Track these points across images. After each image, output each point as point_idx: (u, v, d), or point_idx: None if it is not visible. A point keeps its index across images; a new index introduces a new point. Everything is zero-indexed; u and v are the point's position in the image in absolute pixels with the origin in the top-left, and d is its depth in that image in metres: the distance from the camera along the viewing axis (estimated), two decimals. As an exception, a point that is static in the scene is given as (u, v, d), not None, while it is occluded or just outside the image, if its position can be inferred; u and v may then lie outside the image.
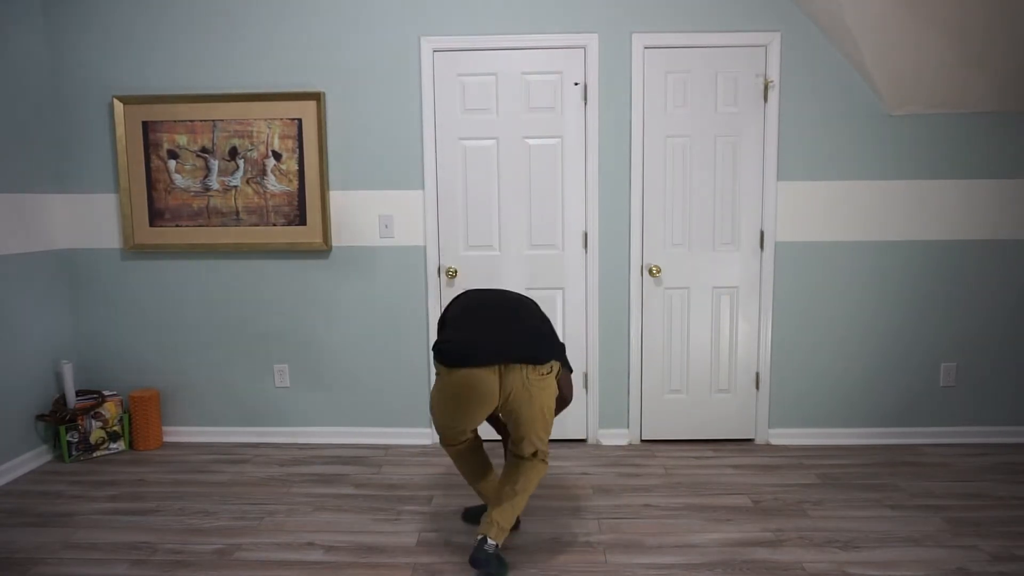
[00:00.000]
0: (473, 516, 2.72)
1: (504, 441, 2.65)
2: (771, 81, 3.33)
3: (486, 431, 3.50)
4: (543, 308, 3.50)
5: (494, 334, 2.29)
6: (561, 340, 2.34)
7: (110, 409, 3.46)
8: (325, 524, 2.72)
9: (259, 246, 3.49)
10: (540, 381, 2.29)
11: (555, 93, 3.39)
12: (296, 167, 3.45)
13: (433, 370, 3.55)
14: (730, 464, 3.29)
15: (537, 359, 2.26)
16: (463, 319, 2.38)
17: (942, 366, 3.50)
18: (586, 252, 3.47)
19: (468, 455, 2.57)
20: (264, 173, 3.46)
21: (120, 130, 3.44)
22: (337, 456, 3.45)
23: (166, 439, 3.66)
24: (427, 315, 3.53)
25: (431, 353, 2.87)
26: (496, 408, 2.36)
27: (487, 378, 2.25)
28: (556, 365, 2.35)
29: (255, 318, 3.58)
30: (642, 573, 2.35)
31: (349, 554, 2.49)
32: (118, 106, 3.42)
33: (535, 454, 2.42)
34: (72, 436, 3.38)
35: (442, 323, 2.49)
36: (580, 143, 3.41)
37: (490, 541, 2.28)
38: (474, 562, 2.26)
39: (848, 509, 2.80)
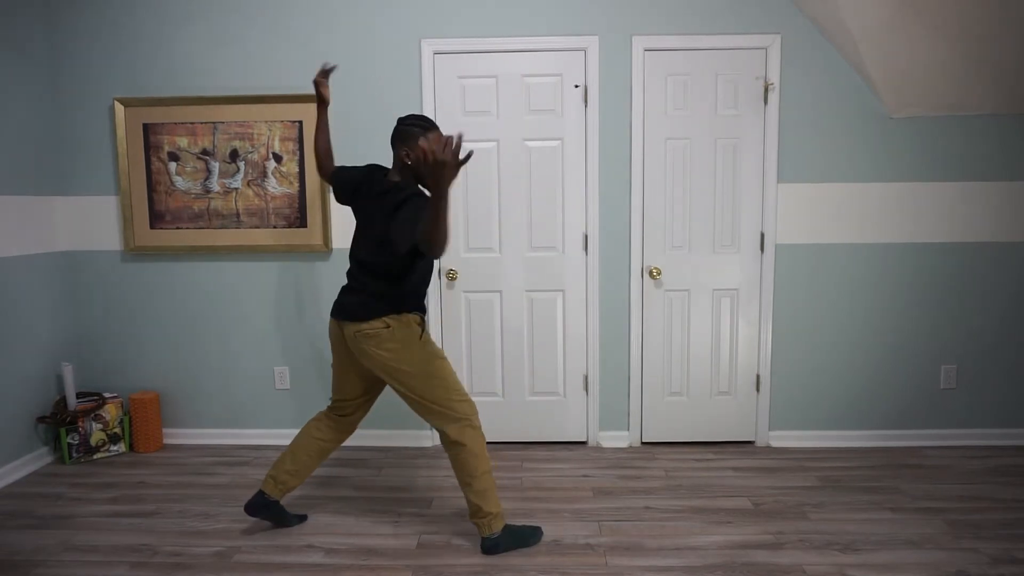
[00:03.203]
0: (259, 508, 2.66)
1: None
2: (771, 83, 3.33)
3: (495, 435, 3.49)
4: (539, 310, 3.50)
5: (344, 287, 2.50)
6: (401, 294, 2.40)
7: (110, 411, 3.46)
8: (325, 526, 2.72)
9: (260, 248, 3.49)
10: (367, 340, 2.38)
11: (555, 95, 3.39)
12: (297, 169, 3.45)
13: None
14: (730, 466, 3.29)
15: (354, 317, 2.39)
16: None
17: (942, 368, 3.50)
18: (586, 254, 3.47)
19: (318, 431, 2.63)
20: (265, 175, 3.47)
21: (121, 132, 3.44)
22: (337, 458, 3.44)
23: (166, 441, 3.66)
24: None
25: None
26: (362, 366, 2.52)
27: (335, 329, 2.51)
28: (392, 322, 2.37)
29: (256, 320, 3.58)
30: (642, 575, 2.35)
31: (349, 556, 2.49)
32: (119, 108, 3.43)
33: (444, 434, 2.45)
34: (72, 438, 3.38)
35: (340, 190, 2.61)
36: (580, 145, 3.41)
37: (484, 538, 2.49)
38: (485, 552, 2.50)
39: (848, 511, 2.80)
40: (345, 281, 3.51)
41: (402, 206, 2.24)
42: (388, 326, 2.38)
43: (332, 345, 2.56)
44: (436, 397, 2.43)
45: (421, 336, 2.44)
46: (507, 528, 2.51)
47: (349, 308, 2.42)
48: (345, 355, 2.54)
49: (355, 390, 2.59)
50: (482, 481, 2.45)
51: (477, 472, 2.45)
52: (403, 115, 2.55)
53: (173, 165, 3.48)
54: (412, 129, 2.35)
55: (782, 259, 3.45)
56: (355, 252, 2.48)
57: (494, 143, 3.42)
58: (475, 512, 2.48)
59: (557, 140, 3.41)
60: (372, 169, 2.53)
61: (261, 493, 2.60)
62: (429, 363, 2.43)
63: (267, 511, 2.61)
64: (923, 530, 2.64)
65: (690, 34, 3.32)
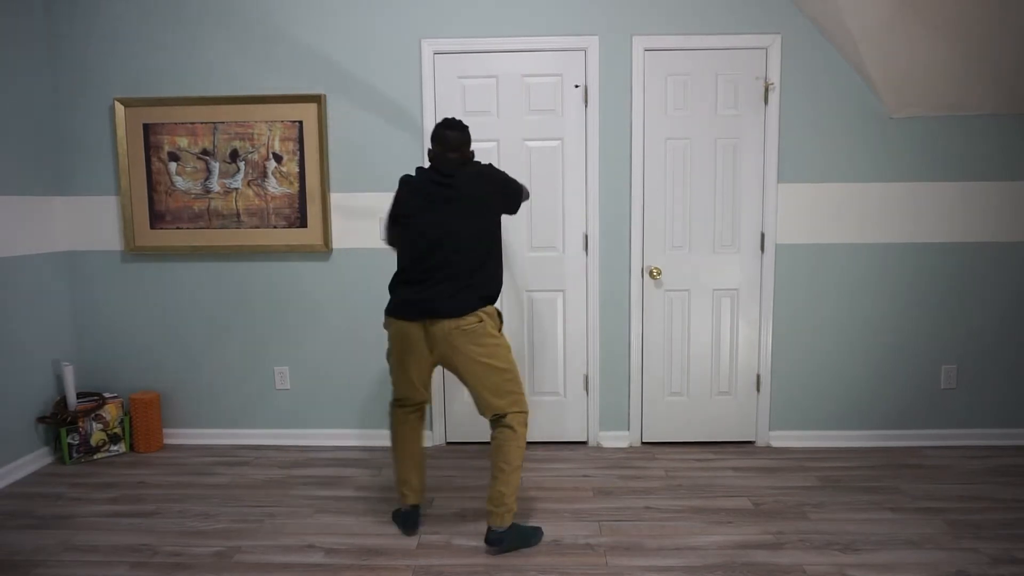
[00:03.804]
0: (401, 519, 2.69)
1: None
2: (771, 83, 3.33)
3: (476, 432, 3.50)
4: (539, 310, 3.50)
5: (422, 289, 2.43)
6: (492, 281, 2.48)
7: (111, 411, 3.46)
8: (325, 526, 2.72)
9: (260, 248, 3.49)
10: (463, 336, 2.39)
11: (555, 95, 3.39)
12: (297, 169, 3.45)
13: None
14: (731, 466, 3.29)
15: (452, 313, 2.38)
16: (409, 269, 2.48)
17: (943, 368, 3.50)
18: (587, 254, 3.47)
19: (404, 430, 2.65)
20: (265, 175, 3.47)
21: (121, 132, 3.44)
22: (338, 458, 3.45)
23: (166, 441, 3.66)
24: (427, 317, 3.53)
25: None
26: (433, 362, 2.51)
27: (414, 331, 2.44)
28: (484, 315, 2.42)
29: (256, 320, 3.58)
30: (642, 575, 2.35)
31: (350, 556, 2.49)
32: (119, 108, 3.43)
33: (502, 418, 2.46)
34: (73, 438, 3.38)
35: (393, 219, 2.57)
36: (580, 145, 3.41)
37: (495, 528, 2.47)
38: (489, 543, 2.49)
39: (848, 511, 2.80)
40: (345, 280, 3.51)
41: (487, 171, 2.48)
42: (481, 320, 2.41)
43: (405, 348, 2.48)
44: (509, 388, 2.46)
45: (500, 328, 2.50)
46: (512, 526, 2.51)
47: (442, 305, 2.39)
48: (425, 356, 2.48)
49: (425, 387, 2.60)
50: (515, 474, 2.47)
51: (515, 463, 2.46)
52: (441, 120, 2.55)
53: (173, 165, 3.48)
54: (467, 132, 2.53)
55: (782, 259, 3.45)
56: (443, 243, 2.41)
57: (494, 143, 3.42)
58: (498, 500, 2.45)
59: (557, 140, 3.41)
60: (421, 169, 2.54)
61: (415, 507, 2.67)
62: (507, 356, 2.48)
63: (417, 519, 2.68)
64: (923, 530, 2.64)
65: (690, 34, 3.32)
